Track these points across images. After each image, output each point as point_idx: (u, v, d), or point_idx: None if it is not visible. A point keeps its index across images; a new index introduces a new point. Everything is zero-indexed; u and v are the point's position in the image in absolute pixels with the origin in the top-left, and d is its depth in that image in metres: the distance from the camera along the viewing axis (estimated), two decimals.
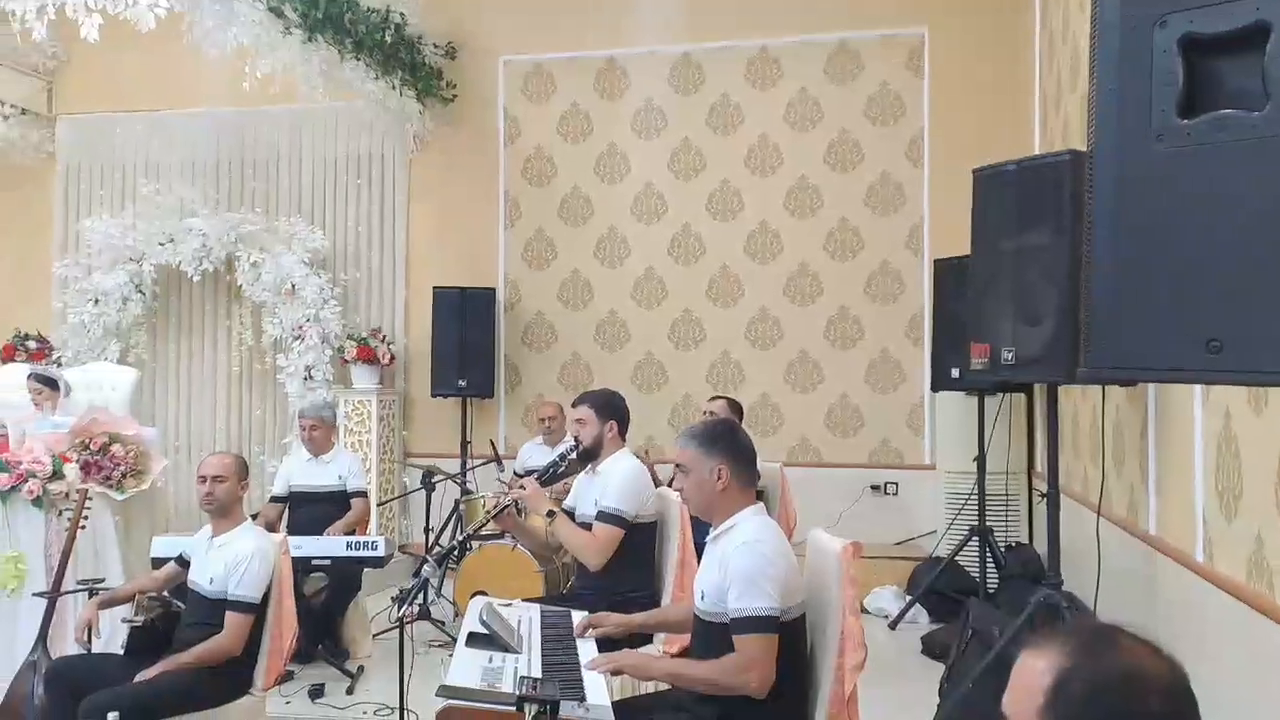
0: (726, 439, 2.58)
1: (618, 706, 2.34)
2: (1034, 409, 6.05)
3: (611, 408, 3.73)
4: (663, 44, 7.09)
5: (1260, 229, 1.20)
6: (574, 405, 3.79)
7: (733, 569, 2.35)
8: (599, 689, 2.31)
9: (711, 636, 2.42)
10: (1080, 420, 4.86)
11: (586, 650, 2.66)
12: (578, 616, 2.96)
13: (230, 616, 3.20)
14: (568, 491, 3.98)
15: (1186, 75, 1.27)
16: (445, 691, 2.04)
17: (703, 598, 2.47)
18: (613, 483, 3.50)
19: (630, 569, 3.47)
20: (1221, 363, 1.25)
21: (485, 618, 2.47)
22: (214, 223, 7.09)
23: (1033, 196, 3.48)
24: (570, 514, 3.68)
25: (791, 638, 2.40)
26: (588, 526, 3.52)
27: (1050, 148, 5.82)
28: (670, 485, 4.08)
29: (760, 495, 4.63)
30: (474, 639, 2.49)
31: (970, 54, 6.59)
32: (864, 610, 5.57)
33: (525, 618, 2.85)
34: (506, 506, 3.52)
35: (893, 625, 5.54)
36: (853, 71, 6.86)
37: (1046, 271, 3.41)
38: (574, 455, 3.69)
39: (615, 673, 2.50)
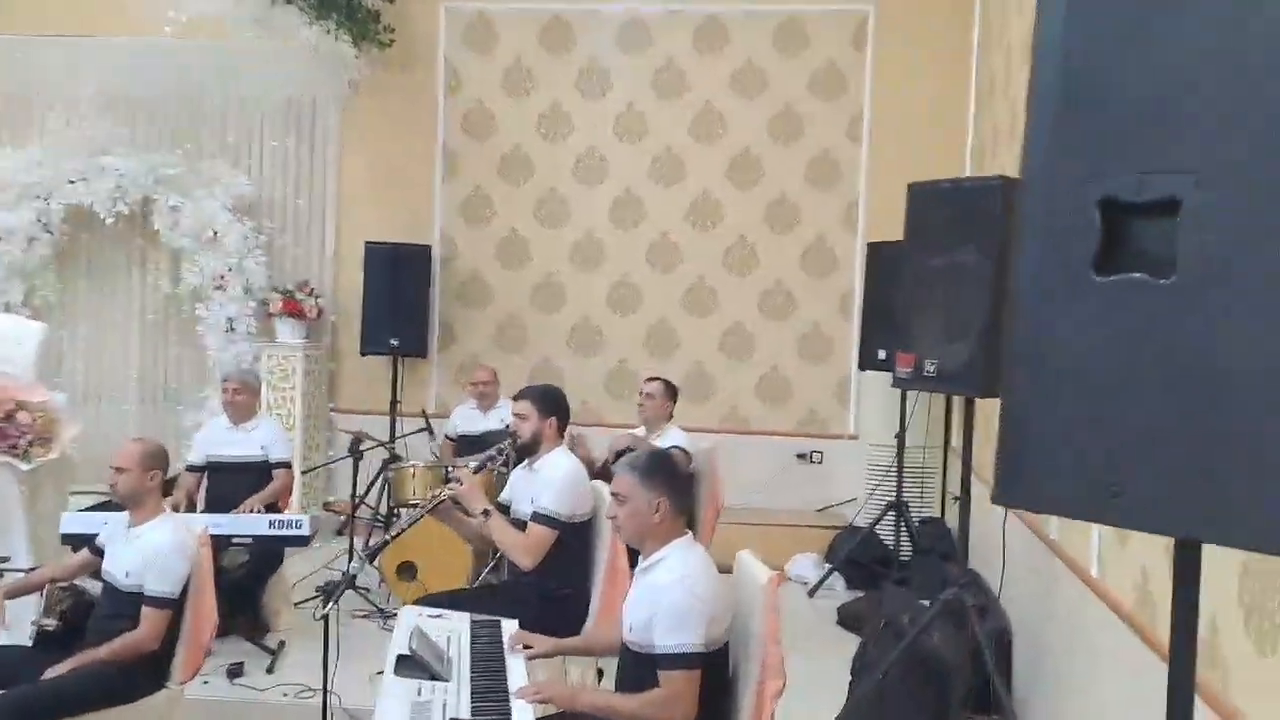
0: (667, 471, 2.64)
1: None
2: None
3: (553, 403, 3.74)
4: (609, 3, 6.91)
5: (1159, 395, 1.27)
6: (515, 399, 3.81)
7: (663, 605, 2.43)
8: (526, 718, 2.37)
9: (638, 667, 2.50)
10: (995, 416, 5.01)
11: (516, 668, 2.72)
12: (508, 626, 3.02)
13: (147, 612, 3.15)
14: (503, 456, 3.93)
15: (1105, 233, 1.32)
16: None
17: (630, 629, 2.54)
18: (551, 483, 3.54)
19: (563, 566, 3.53)
20: (1119, 508, 1.33)
21: (415, 645, 2.50)
22: (131, 162, 6.74)
23: (964, 216, 3.56)
24: (505, 508, 3.71)
25: (715, 666, 2.49)
26: (522, 524, 3.56)
27: (984, 140, 5.88)
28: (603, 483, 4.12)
29: (692, 476, 4.72)
30: (403, 664, 2.52)
31: (913, 35, 6.57)
32: (785, 578, 5.73)
33: (455, 635, 2.87)
34: (443, 501, 3.53)
35: (811, 593, 5.70)
36: (799, 45, 6.79)
37: (973, 290, 3.52)
38: (511, 449, 3.71)
39: (543, 703, 2.56)
